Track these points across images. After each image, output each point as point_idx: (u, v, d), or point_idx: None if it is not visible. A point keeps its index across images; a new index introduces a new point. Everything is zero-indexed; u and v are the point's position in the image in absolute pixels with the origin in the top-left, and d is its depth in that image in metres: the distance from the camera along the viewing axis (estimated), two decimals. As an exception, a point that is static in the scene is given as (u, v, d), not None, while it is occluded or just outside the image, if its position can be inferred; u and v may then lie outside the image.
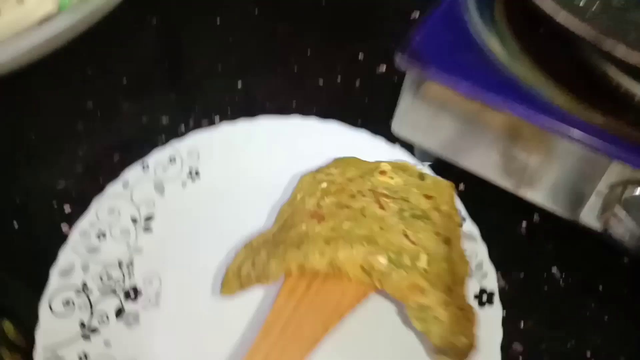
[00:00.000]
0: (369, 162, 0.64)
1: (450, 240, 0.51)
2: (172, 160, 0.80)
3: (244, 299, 0.65)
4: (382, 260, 0.48)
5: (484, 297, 0.67)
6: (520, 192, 0.64)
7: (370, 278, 0.49)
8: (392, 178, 0.57)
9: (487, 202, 0.76)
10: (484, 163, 0.66)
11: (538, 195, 0.63)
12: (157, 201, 0.78)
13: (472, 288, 0.68)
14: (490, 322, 0.65)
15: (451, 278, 0.50)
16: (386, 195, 0.53)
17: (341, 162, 0.63)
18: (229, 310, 0.68)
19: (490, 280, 0.67)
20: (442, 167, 0.76)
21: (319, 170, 0.64)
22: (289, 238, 0.52)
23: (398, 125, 0.69)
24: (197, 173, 0.80)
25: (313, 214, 0.53)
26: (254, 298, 0.62)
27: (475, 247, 0.70)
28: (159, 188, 0.78)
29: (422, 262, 0.49)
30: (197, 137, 0.81)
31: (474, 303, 0.66)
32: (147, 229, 0.76)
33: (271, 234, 0.57)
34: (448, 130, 0.66)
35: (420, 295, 0.48)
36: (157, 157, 0.80)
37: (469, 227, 0.71)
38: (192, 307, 0.70)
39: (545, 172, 0.62)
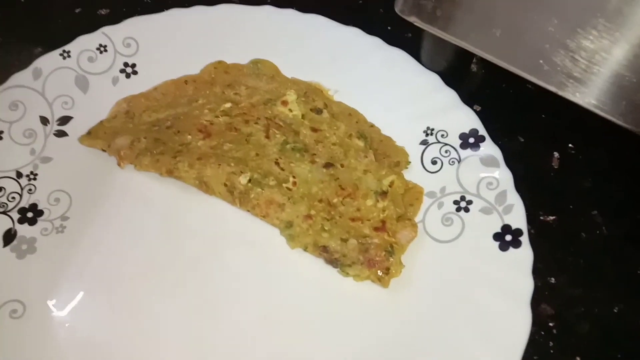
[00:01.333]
0: (283, 78, 0.62)
1: (332, 165, 0.55)
2: (102, 49, 0.61)
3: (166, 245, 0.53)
4: (243, 180, 0.52)
5: (508, 237, 0.49)
6: (566, 92, 0.46)
7: (232, 197, 0.53)
8: (291, 110, 0.58)
9: (509, 127, 0.60)
10: (522, 53, 0.47)
11: (590, 94, 0.45)
12: (78, 99, 0.59)
13: (491, 226, 0.51)
14: (515, 271, 0.48)
15: (333, 194, 0.53)
16: (278, 126, 0.57)
17: (256, 69, 0.62)
18: (153, 253, 0.52)
19: (517, 215, 0.51)
20: (453, 76, 0.60)
21: (232, 84, 0.61)
22: (171, 142, 0.56)
23: (403, 2, 0.50)
24: (133, 68, 0.61)
25: (202, 128, 0.57)
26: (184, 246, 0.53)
27: (496, 173, 0.53)
28: (82, 83, 0.60)
29: (289, 184, 0.53)
30: (136, 23, 0.63)
31: (493, 245, 0.49)
32: (60, 133, 0.58)
33: (156, 118, 0.59)
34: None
35: (279, 211, 0.52)
36: (82, 43, 0.61)
37: (489, 148, 0.55)
38: (105, 237, 0.53)
39: (607, 57, 0.44)
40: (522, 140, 0.61)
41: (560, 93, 0.48)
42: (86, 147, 0.57)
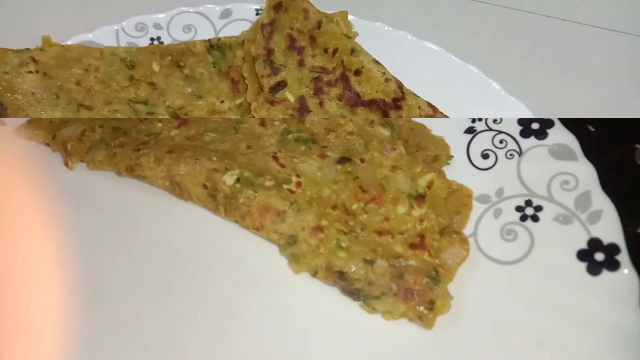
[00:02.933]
0: None
1: (348, 159, 0.45)
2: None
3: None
4: (229, 179, 0.42)
5: (599, 256, 0.37)
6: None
7: (214, 202, 0.43)
8: None
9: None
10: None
11: None
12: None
13: (573, 240, 0.39)
14: (615, 303, 0.36)
15: (352, 199, 0.43)
16: None
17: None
18: (107, 275, 0.41)
19: (608, 225, 0.39)
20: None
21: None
22: (134, 131, 0.46)
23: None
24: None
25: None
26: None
27: (574, 169, 0.42)
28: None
29: (291, 185, 0.43)
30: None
31: (578, 267, 0.36)
32: None
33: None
34: None
35: (278, 221, 0.41)
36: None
37: (560, 135, 0.43)
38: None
39: None
40: (593, 129, 0.48)
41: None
42: (26, 140, 0.47)
